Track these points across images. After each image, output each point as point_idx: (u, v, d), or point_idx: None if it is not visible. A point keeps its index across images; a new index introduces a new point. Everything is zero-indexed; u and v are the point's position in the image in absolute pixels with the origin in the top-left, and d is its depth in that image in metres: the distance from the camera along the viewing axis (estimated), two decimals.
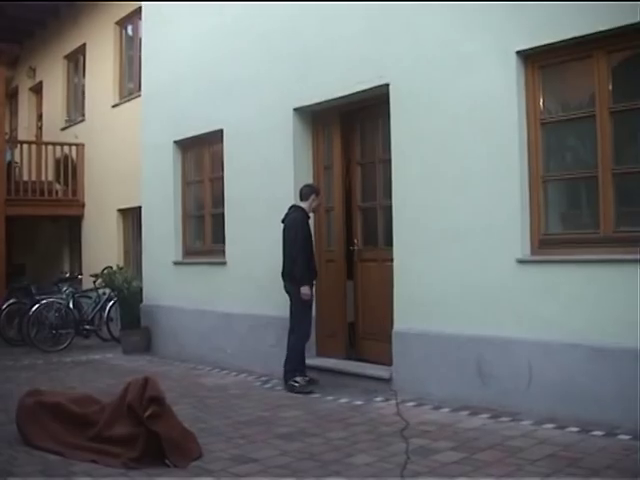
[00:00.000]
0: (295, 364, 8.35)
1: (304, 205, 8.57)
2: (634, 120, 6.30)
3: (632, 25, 5.95)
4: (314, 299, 8.54)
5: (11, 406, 6.78)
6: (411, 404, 7.25)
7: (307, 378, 8.39)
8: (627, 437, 5.65)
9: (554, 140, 6.90)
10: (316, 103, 9.01)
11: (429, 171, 7.58)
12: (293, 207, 8.61)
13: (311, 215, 8.68)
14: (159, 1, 12.12)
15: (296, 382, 8.24)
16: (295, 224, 8.38)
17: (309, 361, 8.75)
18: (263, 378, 9.05)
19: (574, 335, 6.27)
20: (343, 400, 7.65)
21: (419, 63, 7.71)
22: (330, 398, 7.79)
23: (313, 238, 8.74)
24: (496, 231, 6.94)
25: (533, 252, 6.79)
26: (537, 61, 6.79)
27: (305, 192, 8.63)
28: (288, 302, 8.49)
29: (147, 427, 5.56)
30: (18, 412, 6.35)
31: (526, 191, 6.80)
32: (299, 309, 8.39)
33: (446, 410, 6.93)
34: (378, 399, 7.54)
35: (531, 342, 6.59)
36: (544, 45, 6.61)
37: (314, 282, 8.54)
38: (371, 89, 8.22)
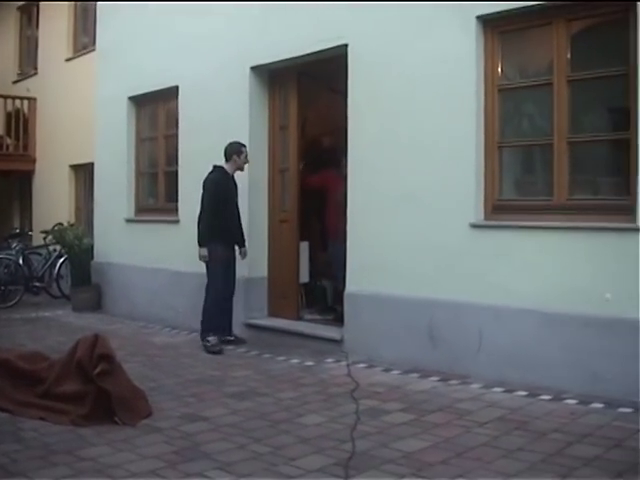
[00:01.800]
0: (207, 324, 8.42)
1: (226, 166, 8.56)
2: (591, 89, 6.34)
3: None
4: (266, 260, 8.51)
5: None
6: (362, 365, 7.30)
7: (231, 338, 8.55)
8: (574, 402, 5.75)
9: (511, 107, 6.93)
10: (274, 62, 8.89)
11: (385, 134, 7.55)
12: (213, 168, 8.57)
13: (239, 172, 8.65)
14: None
15: (208, 341, 8.33)
16: (206, 186, 8.47)
17: (261, 321, 8.88)
18: None
19: (524, 301, 6.34)
20: (294, 361, 7.67)
21: (379, 25, 7.63)
22: (281, 358, 7.81)
23: (266, 198, 8.69)
24: (450, 195, 6.96)
25: (487, 217, 6.82)
26: (497, 27, 6.76)
27: (227, 152, 8.58)
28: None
29: (96, 384, 5.52)
30: None
31: (481, 156, 6.81)
32: (210, 269, 8.49)
33: (396, 372, 6.99)
34: (329, 360, 7.58)
35: (482, 307, 6.64)
36: (505, 11, 6.57)
37: (243, 246, 8.73)
38: (329, 49, 8.12)
